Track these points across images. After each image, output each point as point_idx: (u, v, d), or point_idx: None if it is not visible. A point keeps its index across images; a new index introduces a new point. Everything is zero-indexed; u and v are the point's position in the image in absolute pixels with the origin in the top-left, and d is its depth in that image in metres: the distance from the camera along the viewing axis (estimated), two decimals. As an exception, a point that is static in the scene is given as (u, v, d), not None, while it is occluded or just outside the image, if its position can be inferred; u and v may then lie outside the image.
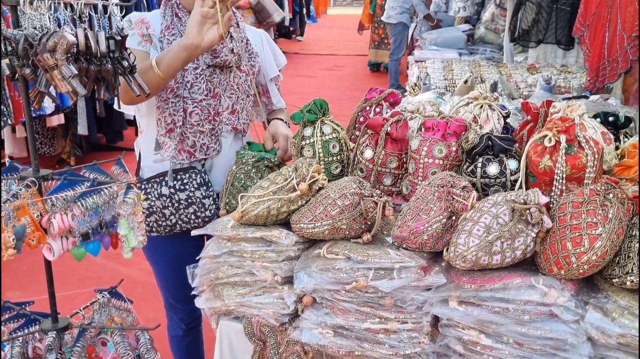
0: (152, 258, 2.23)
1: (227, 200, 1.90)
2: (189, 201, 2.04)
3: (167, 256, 2.16)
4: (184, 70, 1.99)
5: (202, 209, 2.05)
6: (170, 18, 2.03)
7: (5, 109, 4.07)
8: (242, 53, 2.10)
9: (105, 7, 1.71)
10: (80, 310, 2.01)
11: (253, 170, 1.92)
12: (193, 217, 2.05)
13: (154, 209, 2.04)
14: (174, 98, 2.02)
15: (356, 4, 21.81)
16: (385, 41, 9.62)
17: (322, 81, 10.04)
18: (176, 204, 2.03)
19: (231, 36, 2.08)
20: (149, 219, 2.05)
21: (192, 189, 2.03)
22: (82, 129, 5.57)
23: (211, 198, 2.06)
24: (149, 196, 2.03)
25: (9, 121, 4.19)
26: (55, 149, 5.83)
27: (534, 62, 4.87)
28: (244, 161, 1.95)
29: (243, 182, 1.90)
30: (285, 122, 2.20)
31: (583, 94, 3.70)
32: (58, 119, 5.35)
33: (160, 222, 2.06)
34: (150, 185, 2.03)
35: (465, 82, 3.75)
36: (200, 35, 1.81)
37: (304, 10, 13.47)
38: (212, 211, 2.06)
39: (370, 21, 10.27)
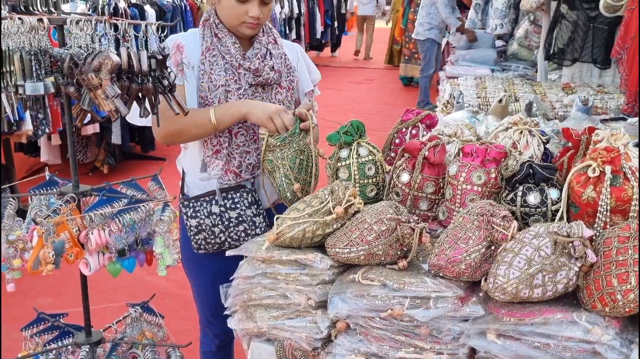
0: (193, 274, 2.23)
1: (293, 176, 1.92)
2: (240, 219, 2.03)
3: (209, 273, 2.14)
4: (226, 92, 2.00)
5: (253, 227, 2.05)
6: (210, 39, 2.03)
7: (44, 119, 4.18)
8: (282, 69, 2.11)
9: (147, 27, 1.72)
10: (113, 324, 2.04)
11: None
12: (243, 235, 2.04)
13: (203, 226, 2.03)
14: None
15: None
16: (416, 56, 9.59)
17: (350, 94, 10.04)
18: (226, 222, 2.03)
19: (270, 53, 2.09)
20: (197, 237, 2.05)
21: (244, 207, 2.03)
22: (116, 138, 5.67)
23: (261, 216, 2.06)
24: (198, 214, 2.03)
25: (47, 130, 4.29)
26: (88, 156, 5.94)
27: (568, 80, 4.77)
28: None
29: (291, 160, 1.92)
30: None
31: (621, 116, 3.62)
32: (93, 128, 5.46)
33: (209, 240, 2.05)
34: (199, 203, 2.03)
35: (500, 101, 3.69)
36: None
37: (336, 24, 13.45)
38: (263, 229, 2.05)
39: (402, 35, 10.26)
